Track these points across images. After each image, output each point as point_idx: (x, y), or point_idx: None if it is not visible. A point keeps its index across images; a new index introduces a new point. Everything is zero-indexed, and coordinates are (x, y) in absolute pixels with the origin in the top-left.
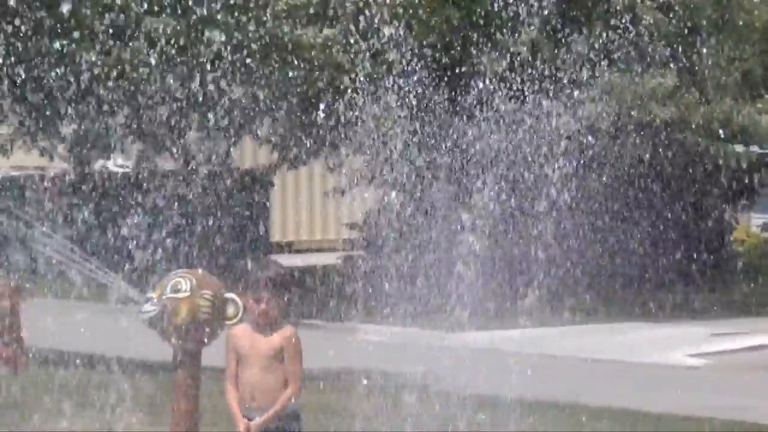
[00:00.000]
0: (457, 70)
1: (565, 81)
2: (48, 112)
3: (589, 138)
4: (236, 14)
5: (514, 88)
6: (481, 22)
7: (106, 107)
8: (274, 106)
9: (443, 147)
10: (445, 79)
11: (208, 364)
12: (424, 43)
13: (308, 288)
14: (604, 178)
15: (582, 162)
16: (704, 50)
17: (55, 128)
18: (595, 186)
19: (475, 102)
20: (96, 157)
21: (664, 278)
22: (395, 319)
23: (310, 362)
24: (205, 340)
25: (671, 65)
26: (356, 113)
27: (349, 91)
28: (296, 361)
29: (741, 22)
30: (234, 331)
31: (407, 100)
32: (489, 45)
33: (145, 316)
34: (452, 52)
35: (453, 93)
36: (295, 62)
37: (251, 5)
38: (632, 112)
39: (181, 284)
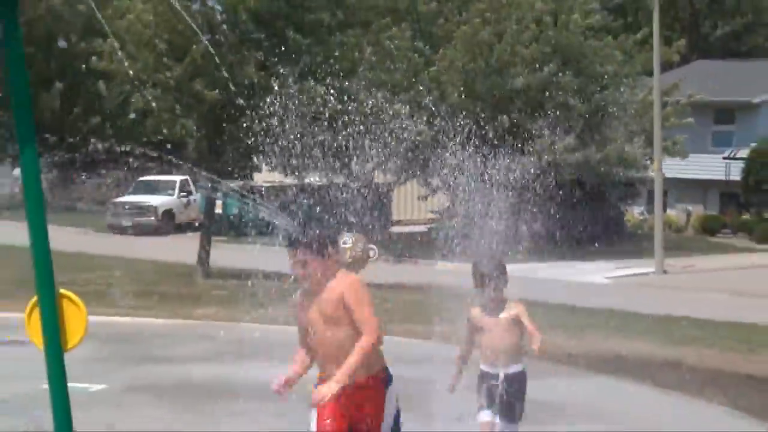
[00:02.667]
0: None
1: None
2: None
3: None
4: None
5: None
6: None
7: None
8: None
9: (479, 172)
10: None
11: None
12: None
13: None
14: (562, 188)
15: (550, 180)
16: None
17: (286, 158)
18: (556, 192)
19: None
20: (306, 175)
21: (589, 239)
22: (459, 258)
23: (411, 279)
24: (358, 270)
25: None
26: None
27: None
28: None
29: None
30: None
31: (457, 148)
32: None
33: None
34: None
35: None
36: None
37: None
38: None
39: (346, 240)
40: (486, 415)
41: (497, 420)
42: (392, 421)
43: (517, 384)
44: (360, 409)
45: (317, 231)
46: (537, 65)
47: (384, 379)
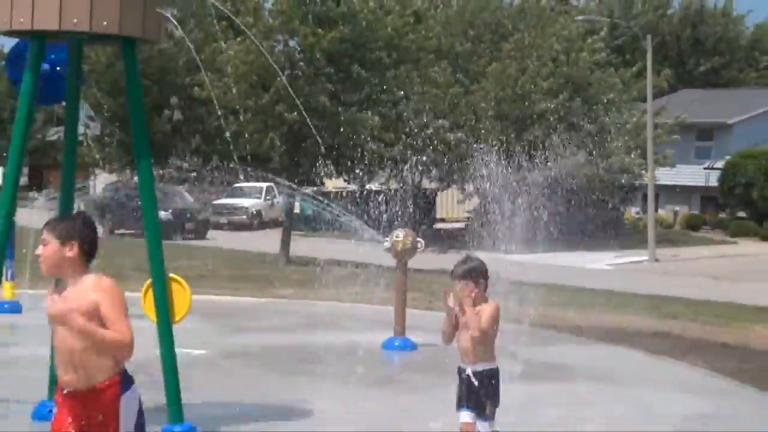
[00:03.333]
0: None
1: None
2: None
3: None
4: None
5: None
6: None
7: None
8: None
9: (504, 179)
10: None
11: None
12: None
13: (453, 236)
14: (574, 192)
15: (564, 185)
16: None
17: (350, 168)
18: (570, 196)
19: (523, 163)
20: (367, 181)
21: (594, 233)
22: (486, 248)
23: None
24: (408, 258)
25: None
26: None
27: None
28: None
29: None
30: None
31: (488, 160)
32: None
33: (385, 247)
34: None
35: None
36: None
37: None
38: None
39: (399, 234)
40: (467, 416)
41: (478, 422)
42: (133, 427)
43: (486, 380)
44: (90, 417)
45: (72, 219)
46: (553, 94)
47: (118, 385)
